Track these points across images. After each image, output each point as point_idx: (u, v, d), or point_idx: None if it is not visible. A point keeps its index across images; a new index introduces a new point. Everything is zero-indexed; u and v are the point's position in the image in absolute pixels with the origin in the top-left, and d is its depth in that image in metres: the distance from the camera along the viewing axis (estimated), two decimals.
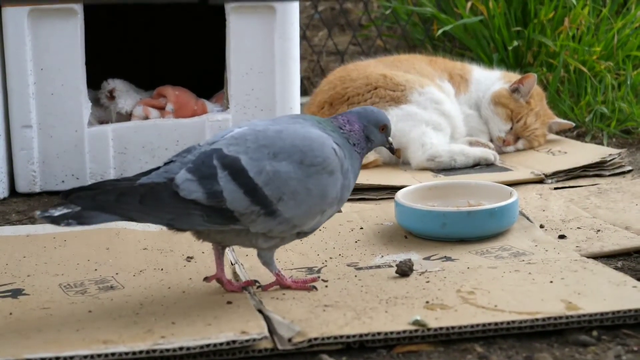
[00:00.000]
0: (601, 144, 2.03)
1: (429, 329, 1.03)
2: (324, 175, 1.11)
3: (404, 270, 1.21)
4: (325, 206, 1.13)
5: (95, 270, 1.27)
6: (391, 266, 1.26)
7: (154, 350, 0.98)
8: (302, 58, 1.80)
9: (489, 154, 1.86)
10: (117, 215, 1.06)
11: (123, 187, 1.07)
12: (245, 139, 1.11)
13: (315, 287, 1.16)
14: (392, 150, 1.24)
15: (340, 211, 1.57)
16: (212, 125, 1.74)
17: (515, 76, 2.05)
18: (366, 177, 1.68)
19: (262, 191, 1.08)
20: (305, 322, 1.05)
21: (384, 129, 1.20)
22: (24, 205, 1.65)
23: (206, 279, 1.18)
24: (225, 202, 1.08)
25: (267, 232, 1.12)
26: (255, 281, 1.18)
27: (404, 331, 1.03)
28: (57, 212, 1.04)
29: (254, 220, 1.09)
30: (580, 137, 2.11)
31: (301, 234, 1.16)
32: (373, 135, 1.19)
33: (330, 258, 1.31)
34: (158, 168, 1.12)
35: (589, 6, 2.38)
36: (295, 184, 1.10)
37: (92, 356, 0.96)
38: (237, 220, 1.09)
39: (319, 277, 1.20)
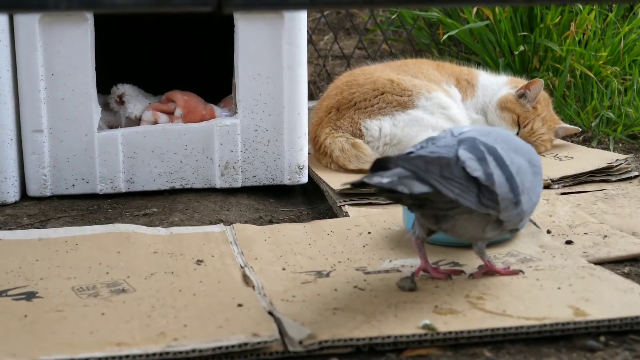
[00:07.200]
0: (607, 149, 2.03)
1: (438, 333, 1.04)
2: (539, 177, 1.20)
3: (411, 288, 1.19)
4: (535, 207, 1.20)
5: (107, 273, 1.28)
6: (399, 271, 1.27)
7: (167, 353, 0.99)
8: (308, 62, 1.81)
9: None
10: (425, 185, 1.07)
11: (427, 157, 1.10)
12: (488, 132, 1.19)
13: (522, 271, 1.22)
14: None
15: (347, 215, 1.58)
16: (221, 130, 1.75)
17: (521, 81, 2.06)
18: None
19: (514, 180, 1.15)
20: (315, 324, 1.06)
21: None
22: (35, 209, 1.66)
23: (413, 275, 1.20)
24: (495, 184, 1.13)
25: (506, 221, 1.16)
26: (462, 271, 1.23)
27: (414, 335, 1.04)
28: (385, 180, 1.06)
29: (507, 207, 1.15)
30: (586, 142, 2.12)
31: (513, 230, 1.22)
32: None
33: (339, 262, 1.32)
34: (411, 152, 1.14)
35: (595, 11, 2.39)
36: (530, 179, 1.17)
37: (106, 358, 0.98)
38: (498, 204, 1.14)
39: (520, 271, 1.23)
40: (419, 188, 1.07)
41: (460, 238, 1.20)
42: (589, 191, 1.71)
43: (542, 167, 1.23)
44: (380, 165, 1.09)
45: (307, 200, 1.78)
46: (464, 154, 1.12)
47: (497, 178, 1.13)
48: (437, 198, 1.11)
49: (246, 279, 1.24)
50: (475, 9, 2.45)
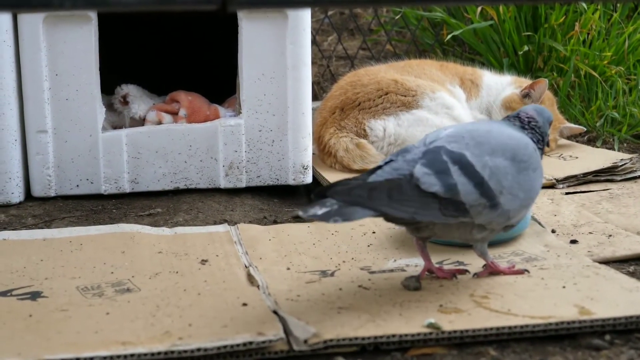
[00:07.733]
0: (612, 148, 2.03)
1: (443, 332, 1.04)
2: (529, 171, 1.19)
3: (416, 287, 1.20)
4: (531, 201, 1.21)
5: (112, 273, 1.28)
6: (404, 270, 1.27)
7: (172, 352, 0.99)
8: (312, 63, 1.81)
9: None
10: (371, 210, 1.09)
11: (372, 183, 1.11)
12: (462, 136, 1.18)
13: (527, 270, 1.23)
14: (548, 143, 1.28)
15: None
16: (225, 131, 1.75)
17: (526, 81, 2.06)
18: None
19: (487, 184, 1.14)
20: (320, 324, 1.06)
21: (551, 125, 1.27)
22: (40, 209, 1.66)
23: (418, 276, 1.21)
24: (459, 194, 1.13)
25: (487, 224, 1.17)
26: (467, 270, 1.23)
27: (418, 334, 1.04)
28: (320, 211, 1.07)
29: (480, 212, 1.15)
30: (591, 141, 2.12)
31: (508, 227, 1.21)
32: (547, 130, 1.25)
33: (344, 262, 1.32)
34: (380, 167, 1.16)
35: (600, 11, 2.39)
36: (511, 178, 1.17)
37: (111, 357, 0.98)
38: (467, 212, 1.14)
39: (526, 270, 1.23)
40: (361, 214, 1.08)
41: (452, 239, 1.21)
42: (593, 191, 1.70)
43: (539, 160, 1.21)
44: (323, 194, 1.09)
45: (311, 201, 1.78)
46: (419, 171, 1.12)
47: (461, 187, 1.13)
48: (392, 218, 1.13)
49: (251, 279, 1.24)
50: (479, 9, 2.44)
